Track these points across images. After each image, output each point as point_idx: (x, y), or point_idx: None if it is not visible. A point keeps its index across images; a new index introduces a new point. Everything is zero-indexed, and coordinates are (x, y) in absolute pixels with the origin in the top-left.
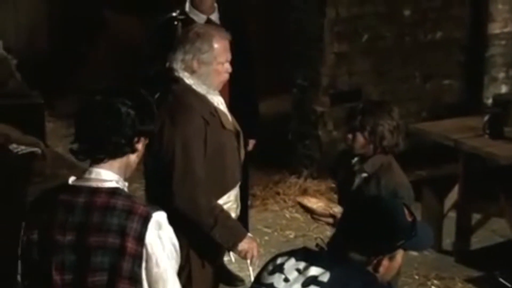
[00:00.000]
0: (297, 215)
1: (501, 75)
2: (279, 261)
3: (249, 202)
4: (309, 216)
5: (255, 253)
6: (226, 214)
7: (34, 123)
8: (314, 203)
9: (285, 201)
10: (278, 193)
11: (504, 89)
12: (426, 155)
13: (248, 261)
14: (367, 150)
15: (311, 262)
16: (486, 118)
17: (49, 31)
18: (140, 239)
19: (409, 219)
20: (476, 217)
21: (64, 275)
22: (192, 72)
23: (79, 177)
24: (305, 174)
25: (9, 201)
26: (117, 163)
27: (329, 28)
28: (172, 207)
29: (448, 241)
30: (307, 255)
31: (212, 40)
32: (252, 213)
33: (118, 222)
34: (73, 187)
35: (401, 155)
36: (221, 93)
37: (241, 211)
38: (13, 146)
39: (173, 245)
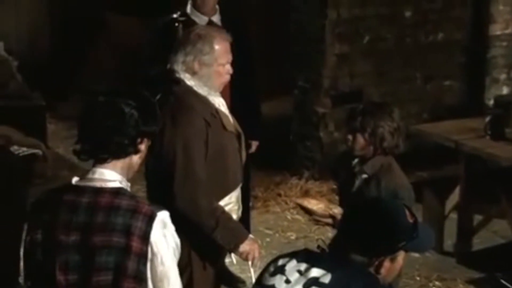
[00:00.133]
0: (298, 216)
1: (503, 76)
2: (280, 262)
3: (250, 204)
4: (312, 219)
5: (257, 254)
6: (227, 215)
7: (35, 125)
8: (314, 204)
9: (286, 203)
10: (279, 195)
11: (505, 90)
12: (427, 157)
13: (250, 262)
14: (367, 152)
15: (312, 264)
16: (487, 119)
17: (50, 32)
18: (145, 238)
19: (410, 220)
20: (477, 218)
21: (68, 275)
22: (193, 73)
23: (82, 178)
24: (306, 176)
25: (10, 203)
26: (120, 163)
27: (330, 30)
28: (173, 208)
29: (449, 243)
30: (308, 257)
31: (213, 42)
32: (253, 214)
33: (123, 222)
34: (76, 187)
35: (402, 156)
36: (222, 94)
37: (243, 212)
38: (14, 148)
39: (176, 243)
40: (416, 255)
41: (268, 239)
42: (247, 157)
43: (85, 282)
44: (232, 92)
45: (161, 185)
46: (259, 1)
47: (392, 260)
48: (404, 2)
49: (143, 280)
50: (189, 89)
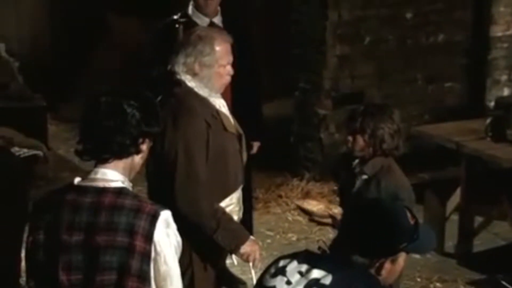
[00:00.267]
0: (299, 218)
1: (504, 77)
2: (281, 263)
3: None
4: (311, 220)
5: (257, 256)
6: (228, 216)
7: (36, 126)
8: (314, 205)
9: (287, 204)
10: (280, 196)
11: (506, 91)
12: (428, 158)
13: (251, 264)
14: (366, 153)
15: (313, 265)
16: (488, 120)
17: (51, 34)
18: (149, 237)
19: (411, 221)
20: (478, 219)
21: (71, 275)
22: (194, 75)
23: (84, 178)
24: (307, 177)
25: (11, 204)
26: (122, 163)
27: (331, 31)
28: (174, 209)
29: (450, 244)
30: (309, 258)
31: (213, 43)
32: (254, 216)
33: (126, 221)
34: (79, 187)
35: (403, 158)
36: (223, 95)
37: (245, 213)
38: (16, 149)
39: (178, 242)
40: (417, 256)
41: (269, 241)
42: (248, 158)
43: (88, 282)
44: (233, 94)
45: (162, 187)
46: (260, 2)
47: (393, 261)
48: (405, 4)
49: (147, 280)
50: (190, 91)
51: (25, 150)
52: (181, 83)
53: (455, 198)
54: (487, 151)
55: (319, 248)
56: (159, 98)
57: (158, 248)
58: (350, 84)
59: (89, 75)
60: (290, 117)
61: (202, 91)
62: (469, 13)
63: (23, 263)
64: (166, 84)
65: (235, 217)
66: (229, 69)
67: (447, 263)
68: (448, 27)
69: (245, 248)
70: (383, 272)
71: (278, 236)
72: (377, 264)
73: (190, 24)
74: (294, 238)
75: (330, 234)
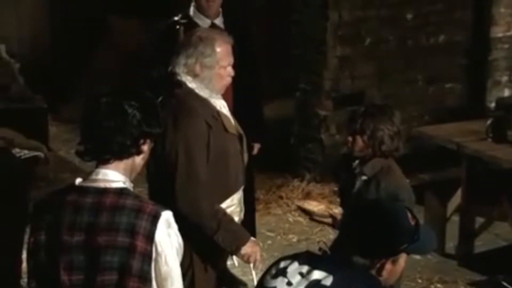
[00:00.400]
0: (300, 219)
1: (504, 78)
2: (282, 264)
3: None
4: (311, 220)
5: (258, 257)
6: (229, 217)
7: (37, 127)
8: (314, 206)
9: (288, 205)
10: (281, 197)
11: (507, 92)
12: (429, 159)
13: (251, 265)
14: (366, 154)
15: (314, 266)
16: (489, 121)
17: (52, 35)
18: (150, 237)
19: (412, 222)
20: (479, 220)
21: (72, 276)
22: (195, 76)
23: (85, 178)
24: (308, 178)
25: (12, 205)
26: (123, 164)
27: (332, 32)
28: (175, 210)
29: (451, 245)
30: (310, 259)
31: (214, 44)
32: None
33: (127, 221)
34: (80, 188)
35: (403, 159)
36: (224, 96)
37: (248, 214)
38: (16, 150)
39: (179, 243)
40: (418, 257)
41: (269, 242)
42: (250, 159)
43: (89, 282)
44: (234, 94)
45: (163, 187)
46: (260, 2)
47: (394, 262)
48: (406, 4)
49: (148, 280)
50: (191, 92)
51: (26, 151)
52: (181, 84)
53: (456, 199)
54: (488, 152)
55: (320, 249)
56: (159, 99)
57: (159, 249)
58: (351, 84)
59: (89, 76)
60: (291, 118)
61: (203, 92)
62: (469, 13)
63: (24, 264)
64: (167, 85)
65: (236, 218)
66: (229, 70)
67: (447, 264)
68: (448, 28)
69: (245, 249)
70: (384, 273)
71: (278, 237)
72: (378, 265)
73: (191, 25)
74: (294, 239)
75: (331, 235)
